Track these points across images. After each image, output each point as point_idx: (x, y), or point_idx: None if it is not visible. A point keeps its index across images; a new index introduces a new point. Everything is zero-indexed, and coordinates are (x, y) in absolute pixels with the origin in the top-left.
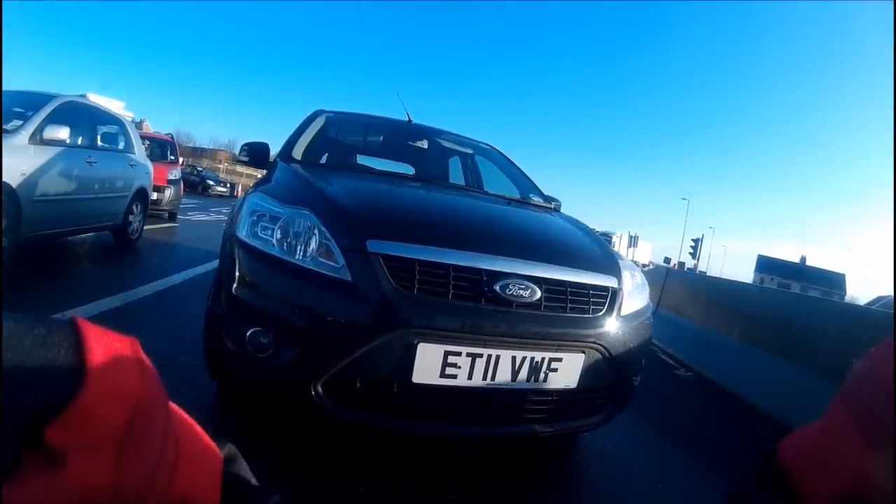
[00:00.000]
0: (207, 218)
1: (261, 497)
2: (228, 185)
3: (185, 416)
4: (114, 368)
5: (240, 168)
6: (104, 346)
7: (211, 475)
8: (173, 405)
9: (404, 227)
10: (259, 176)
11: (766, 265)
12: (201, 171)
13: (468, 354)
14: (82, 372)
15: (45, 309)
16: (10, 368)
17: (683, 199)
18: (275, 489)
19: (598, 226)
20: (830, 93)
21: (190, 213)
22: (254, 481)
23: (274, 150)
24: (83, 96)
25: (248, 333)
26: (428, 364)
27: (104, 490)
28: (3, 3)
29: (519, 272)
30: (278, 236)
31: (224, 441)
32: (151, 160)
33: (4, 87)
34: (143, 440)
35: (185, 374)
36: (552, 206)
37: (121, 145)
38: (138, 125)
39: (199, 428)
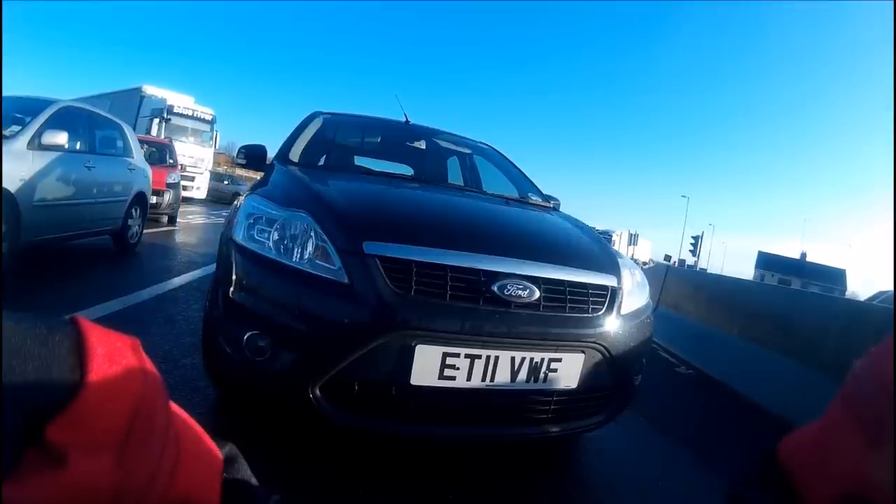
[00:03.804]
0: (206, 221)
1: (261, 497)
2: None
3: (186, 416)
4: (115, 368)
5: (239, 171)
6: (105, 345)
7: (211, 475)
8: (174, 405)
9: (401, 229)
10: (257, 178)
11: (767, 262)
12: (236, 179)
13: (467, 356)
14: (83, 371)
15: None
16: (11, 367)
17: (683, 196)
18: (275, 489)
19: (597, 224)
20: (830, 91)
21: (189, 217)
22: (254, 481)
23: (271, 153)
24: (137, 89)
25: (245, 337)
26: (426, 366)
27: (105, 489)
28: (4, 3)
29: (517, 272)
30: (275, 239)
31: (224, 441)
32: (150, 164)
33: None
34: (144, 440)
35: (186, 375)
36: (551, 205)
37: (119, 149)
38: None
39: (199, 428)
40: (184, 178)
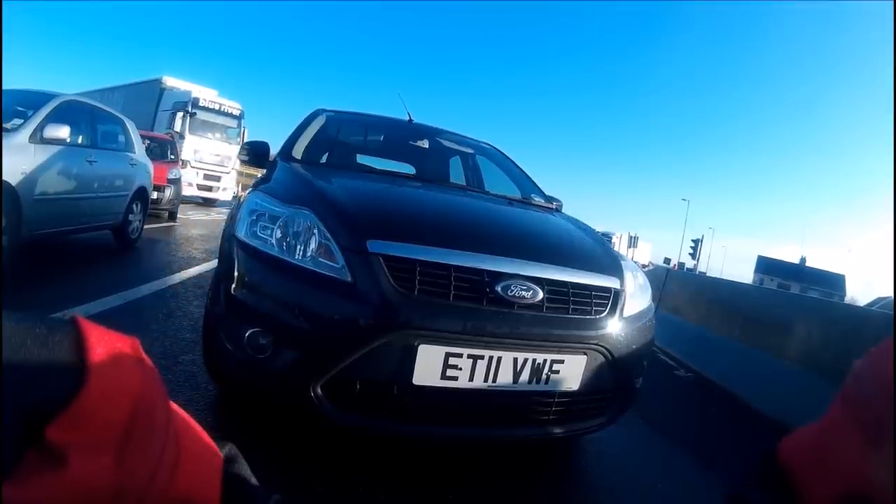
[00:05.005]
0: (207, 217)
1: (261, 496)
2: None
3: (186, 415)
4: (115, 367)
5: (239, 167)
6: (105, 345)
7: (211, 474)
8: (174, 405)
9: (405, 228)
10: (259, 175)
11: (766, 266)
12: None
13: (469, 356)
14: (83, 371)
15: (45, 308)
16: (12, 367)
17: (683, 199)
18: (275, 489)
19: (597, 226)
20: (830, 93)
21: (190, 213)
22: (254, 481)
23: (274, 150)
24: (157, 81)
25: (246, 334)
26: (429, 366)
27: (105, 489)
28: (4, 2)
29: (521, 273)
30: (278, 236)
31: (224, 441)
32: (151, 159)
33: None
34: (144, 439)
35: (185, 373)
36: (553, 206)
37: (121, 144)
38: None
39: (199, 427)
40: (209, 177)
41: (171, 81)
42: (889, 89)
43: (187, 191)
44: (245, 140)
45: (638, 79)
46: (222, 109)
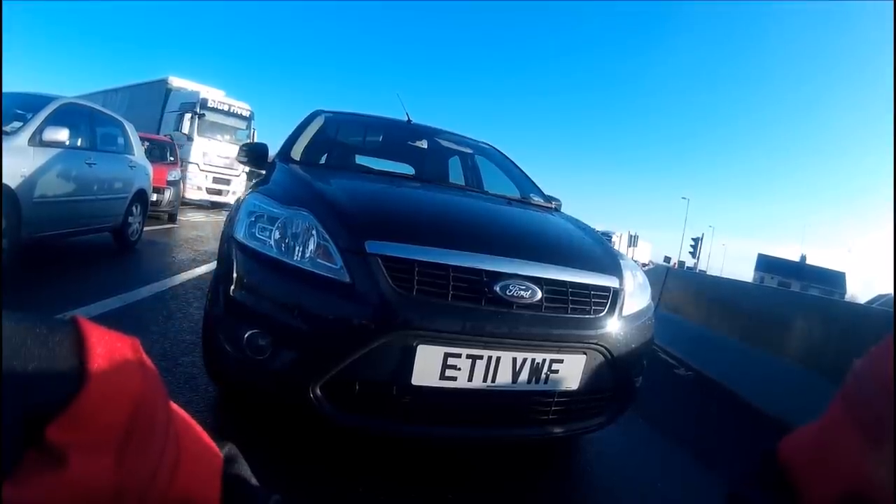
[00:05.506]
0: (207, 219)
1: (261, 497)
2: None
3: (186, 416)
4: (115, 368)
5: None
6: (105, 345)
7: (211, 475)
8: (174, 405)
9: (404, 228)
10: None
11: (767, 264)
12: None
13: (468, 356)
14: (83, 371)
15: (45, 309)
16: (12, 368)
17: (683, 198)
18: (275, 489)
19: (597, 225)
20: (830, 93)
21: (189, 214)
22: (254, 481)
23: (273, 151)
24: (163, 81)
25: (245, 335)
26: (427, 366)
27: (105, 489)
28: (4, 2)
29: (520, 273)
30: (276, 237)
31: (224, 441)
32: (151, 161)
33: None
34: (145, 439)
35: (185, 374)
36: (553, 206)
37: (120, 146)
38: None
39: (199, 428)
40: (218, 180)
41: (177, 82)
42: (889, 89)
43: (196, 194)
44: (255, 141)
45: (638, 78)
46: (231, 110)
